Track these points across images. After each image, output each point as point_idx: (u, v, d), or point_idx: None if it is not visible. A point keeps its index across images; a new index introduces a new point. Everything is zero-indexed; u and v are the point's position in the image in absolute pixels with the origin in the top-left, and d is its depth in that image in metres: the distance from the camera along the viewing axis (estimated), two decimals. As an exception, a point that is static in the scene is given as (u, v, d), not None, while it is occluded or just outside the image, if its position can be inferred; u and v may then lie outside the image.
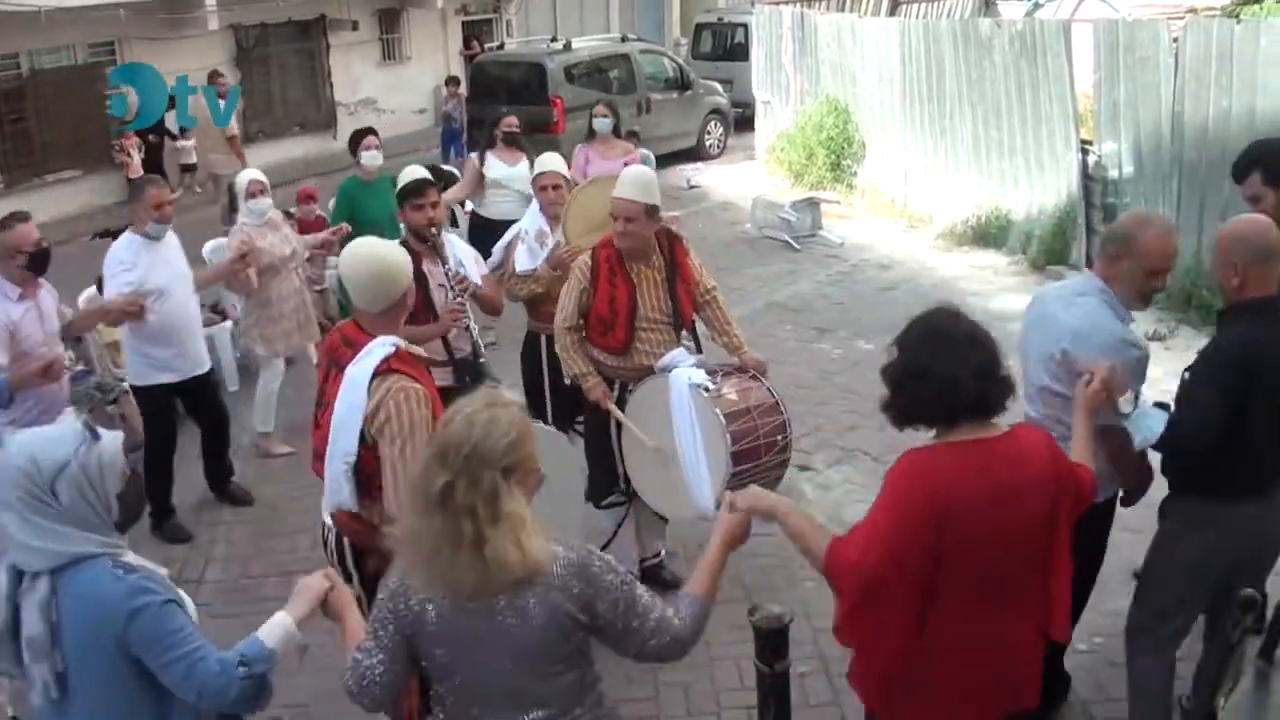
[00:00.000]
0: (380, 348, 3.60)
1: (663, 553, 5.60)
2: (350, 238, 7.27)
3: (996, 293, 9.94)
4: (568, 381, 5.44)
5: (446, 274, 5.22)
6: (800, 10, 15.91)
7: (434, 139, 18.67)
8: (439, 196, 5.63)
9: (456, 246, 5.71)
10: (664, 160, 15.10)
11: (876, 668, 2.98)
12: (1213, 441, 3.52)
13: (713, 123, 17.91)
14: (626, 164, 8.96)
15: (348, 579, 3.64)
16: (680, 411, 4.80)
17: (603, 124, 9.44)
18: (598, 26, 24.35)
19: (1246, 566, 3.86)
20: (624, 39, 18.05)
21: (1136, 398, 3.57)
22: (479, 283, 5.49)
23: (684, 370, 4.86)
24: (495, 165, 8.81)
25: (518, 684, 2.56)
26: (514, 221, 6.61)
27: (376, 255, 3.74)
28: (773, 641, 3.12)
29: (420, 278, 4.96)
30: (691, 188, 15.60)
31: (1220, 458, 3.57)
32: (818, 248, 12.07)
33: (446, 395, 3.51)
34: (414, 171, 5.84)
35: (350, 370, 3.61)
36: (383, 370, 3.56)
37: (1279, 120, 8.18)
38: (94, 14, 15.30)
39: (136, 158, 16.00)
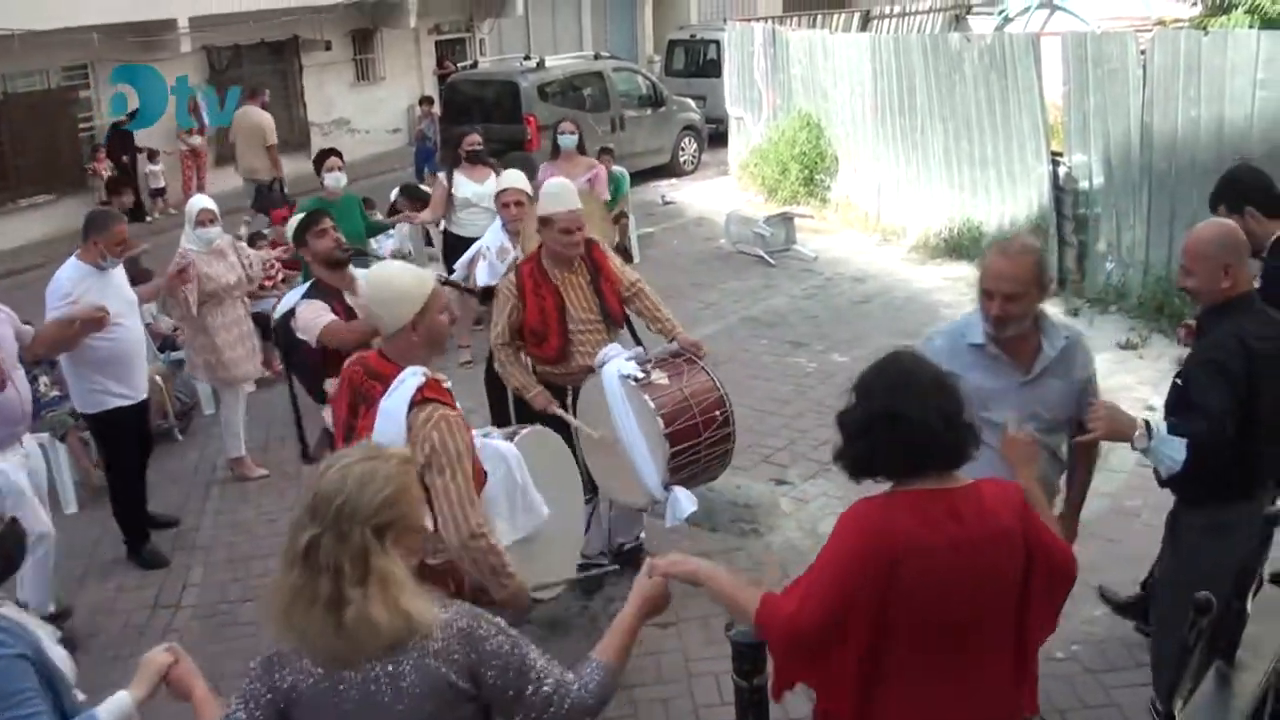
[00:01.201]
0: (412, 378, 3.48)
1: (642, 536, 5.77)
2: None
3: (970, 305, 9.96)
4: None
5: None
6: (772, 26, 15.97)
7: (408, 158, 18.66)
8: (334, 220, 5.68)
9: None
10: (638, 177, 15.11)
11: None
12: (1230, 433, 3.44)
13: (686, 139, 17.97)
14: (590, 180, 9.05)
15: None
16: (616, 404, 4.94)
17: (568, 140, 9.52)
18: (571, 44, 24.41)
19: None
20: (597, 56, 18.11)
21: (1149, 429, 3.40)
22: None
23: (614, 364, 5.00)
24: (464, 184, 8.83)
25: None
26: None
27: (385, 278, 3.59)
28: (750, 656, 3.10)
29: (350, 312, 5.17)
30: (666, 204, 15.65)
31: (1228, 458, 3.54)
32: (792, 262, 12.10)
33: None
34: (298, 218, 6.02)
35: (384, 404, 3.48)
36: (418, 401, 3.44)
37: (1246, 130, 8.30)
38: (66, 37, 15.22)
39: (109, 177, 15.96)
